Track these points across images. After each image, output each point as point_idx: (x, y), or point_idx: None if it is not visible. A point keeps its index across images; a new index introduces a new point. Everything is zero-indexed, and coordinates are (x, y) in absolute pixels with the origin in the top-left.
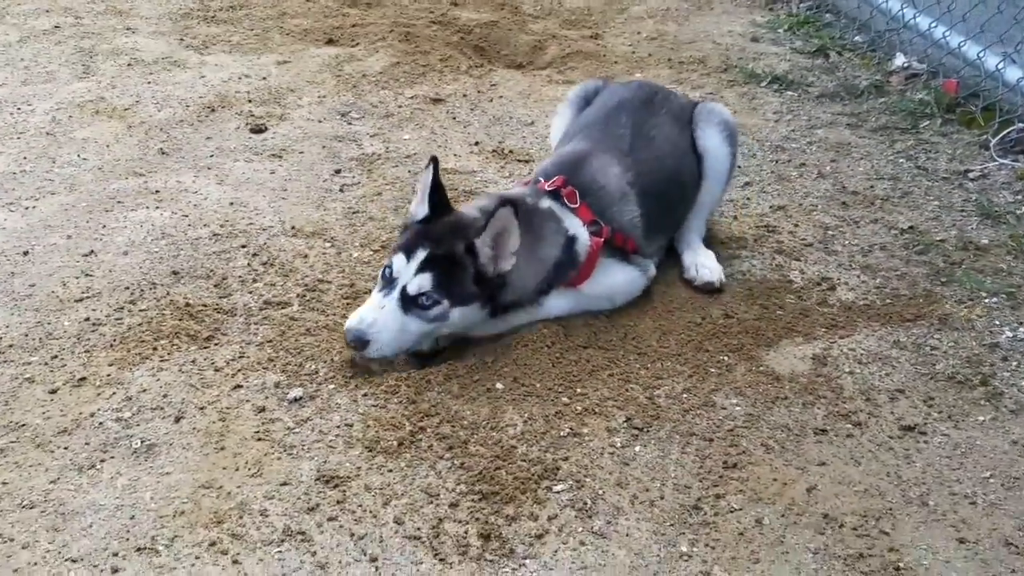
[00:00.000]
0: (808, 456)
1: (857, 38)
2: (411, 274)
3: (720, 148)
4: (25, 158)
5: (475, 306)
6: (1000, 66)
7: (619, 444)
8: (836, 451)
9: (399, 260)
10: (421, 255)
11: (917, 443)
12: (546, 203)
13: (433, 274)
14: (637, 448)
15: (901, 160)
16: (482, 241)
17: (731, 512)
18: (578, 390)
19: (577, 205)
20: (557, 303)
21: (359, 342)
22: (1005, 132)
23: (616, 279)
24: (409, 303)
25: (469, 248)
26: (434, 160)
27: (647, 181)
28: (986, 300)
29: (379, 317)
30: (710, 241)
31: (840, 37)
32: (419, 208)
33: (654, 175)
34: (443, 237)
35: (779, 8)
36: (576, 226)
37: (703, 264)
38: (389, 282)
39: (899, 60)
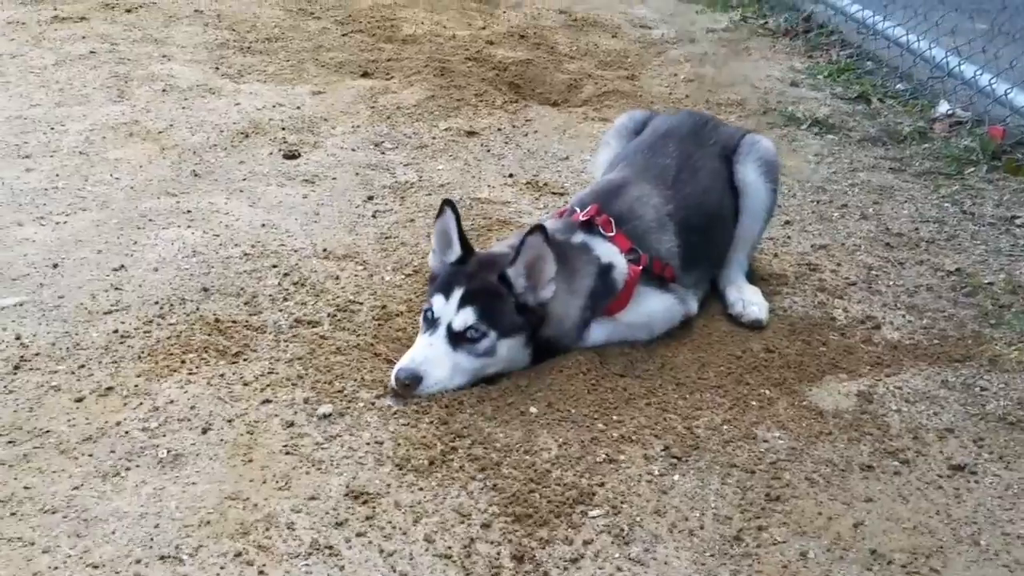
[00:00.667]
0: (854, 492)
1: (899, 86)
2: (453, 311)
3: (758, 183)
4: (58, 175)
5: (521, 338)
6: None
7: (657, 472)
8: (883, 488)
9: (438, 301)
10: (459, 292)
11: (967, 482)
12: (579, 237)
13: (475, 307)
14: (676, 477)
15: (946, 204)
16: (515, 271)
17: (774, 544)
18: (614, 417)
19: (613, 233)
20: (595, 333)
21: (413, 378)
22: None
23: (654, 307)
24: (457, 340)
25: (502, 278)
26: (450, 203)
27: (688, 214)
28: None
29: (429, 354)
30: (751, 276)
31: (882, 84)
32: (449, 252)
33: (695, 208)
34: (476, 272)
35: (819, 55)
36: (612, 254)
37: (750, 300)
38: (432, 323)
39: (943, 107)
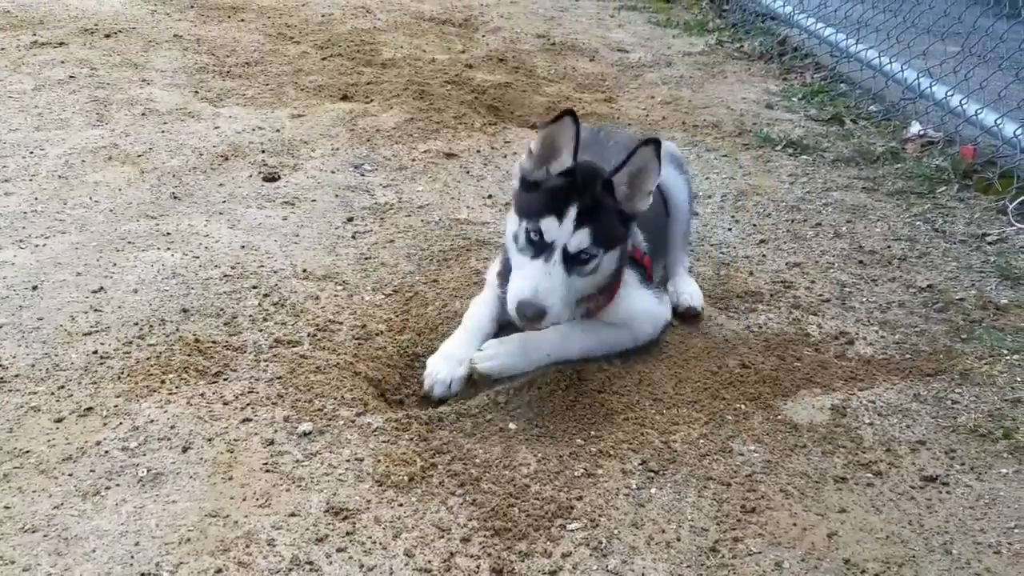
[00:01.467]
0: (828, 503)
1: (872, 107)
2: (569, 233)
3: (674, 176)
4: (37, 199)
5: (618, 251)
6: (1018, 133)
7: (634, 486)
8: (857, 499)
9: (550, 223)
10: (573, 212)
11: (940, 493)
12: None
13: (590, 228)
14: (653, 490)
15: (918, 223)
16: (619, 179)
17: (750, 555)
18: (593, 433)
19: None
20: (582, 338)
21: (539, 313)
22: (1023, 198)
23: (639, 305)
24: (571, 262)
25: (607, 185)
26: (571, 113)
27: None
28: (1007, 357)
29: (550, 285)
30: (727, 294)
31: (855, 106)
32: (556, 163)
33: None
34: (584, 186)
35: (793, 78)
36: None
37: (683, 291)
38: (542, 248)
39: (915, 128)
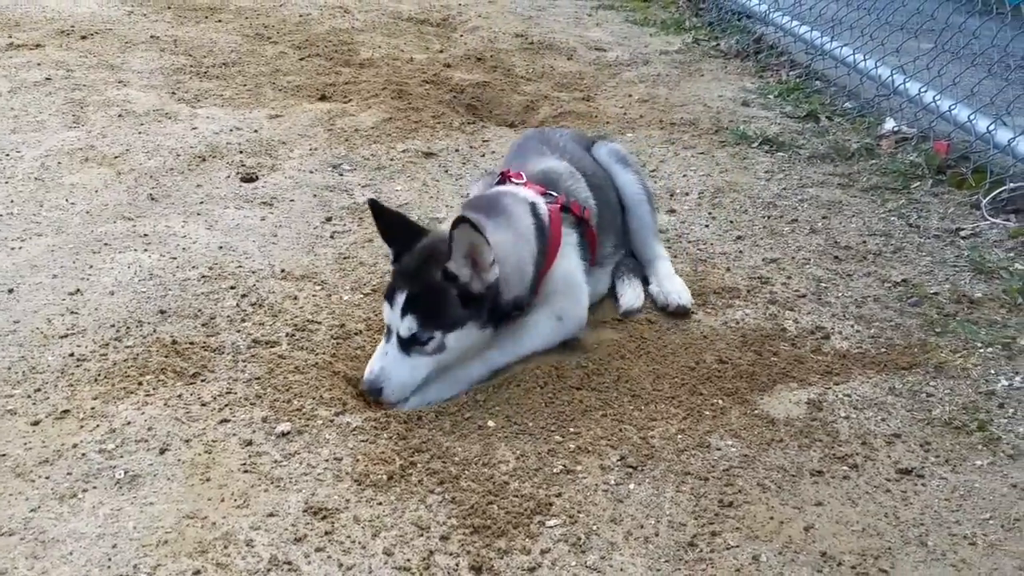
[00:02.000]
0: (805, 496)
1: (847, 104)
2: (398, 319)
3: (623, 172)
4: (12, 202)
5: (470, 326)
6: (991, 128)
7: (613, 482)
8: (833, 492)
9: (386, 309)
10: (400, 299)
11: (915, 485)
12: (499, 188)
13: (416, 314)
14: (631, 486)
15: (893, 218)
16: (455, 264)
17: (727, 549)
18: (571, 429)
19: (524, 181)
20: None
21: (374, 390)
22: (996, 192)
23: (570, 267)
24: (407, 345)
25: (446, 274)
26: (371, 202)
27: (585, 171)
28: (981, 350)
29: (385, 364)
30: (705, 290)
31: (830, 103)
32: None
33: (588, 169)
34: (417, 272)
35: (769, 75)
36: (531, 194)
37: (670, 290)
38: (387, 331)
39: (889, 124)
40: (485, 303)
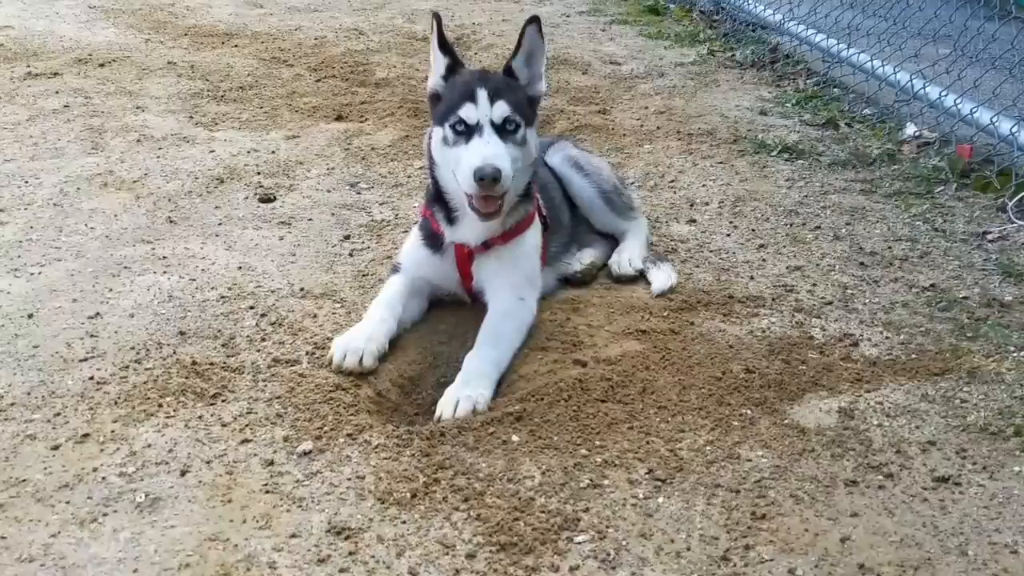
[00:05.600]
0: (840, 507)
1: (866, 111)
2: (488, 109)
3: (569, 172)
4: (32, 227)
5: (533, 132)
6: (1014, 130)
7: (641, 496)
8: (868, 502)
9: (468, 109)
10: (483, 92)
11: (952, 494)
12: None
13: (505, 99)
14: (660, 500)
15: (918, 223)
16: (518, 62)
17: (762, 563)
18: (597, 442)
19: None
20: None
21: (496, 172)
22: (1022, 195)
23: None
24: (500, 133)
25: (507, 70)
26: (435, 15)
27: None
28: (1015, 354)
29: (492, 150)
30: (729, 299)
31: (849, 110)
32: (438, 65)
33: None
34: (484, 73)
35: (786, 84)
36: None
37: (618, 260)
38: (471, 131)
39: (910, 129)
40: (536, 119)
